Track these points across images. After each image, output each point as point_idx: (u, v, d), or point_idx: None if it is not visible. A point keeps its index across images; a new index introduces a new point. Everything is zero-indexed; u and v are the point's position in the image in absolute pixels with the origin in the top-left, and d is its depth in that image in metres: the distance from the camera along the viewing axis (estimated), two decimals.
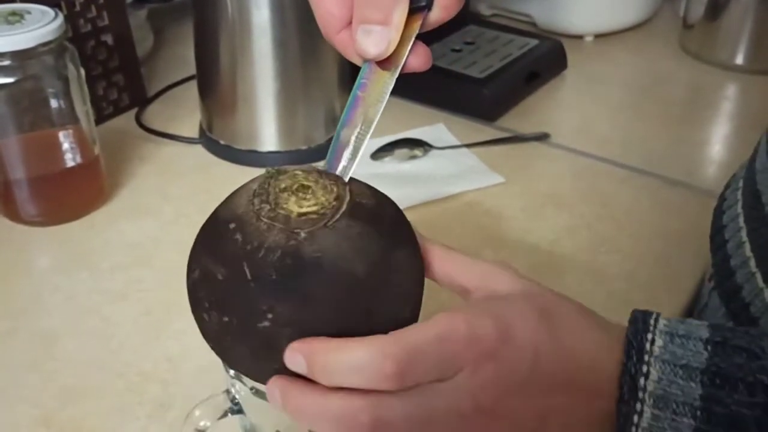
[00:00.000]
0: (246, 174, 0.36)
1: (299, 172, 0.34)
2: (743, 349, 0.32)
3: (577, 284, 0.61)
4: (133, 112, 0.85)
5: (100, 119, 0.81)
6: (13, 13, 0.62)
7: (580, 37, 1.07)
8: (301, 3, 0.71)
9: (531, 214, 0.70)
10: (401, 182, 0.74)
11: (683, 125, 0.87)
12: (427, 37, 0.35)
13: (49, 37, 0.61)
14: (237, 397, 0.41)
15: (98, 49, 0.81)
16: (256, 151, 0.77)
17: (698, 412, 0.32)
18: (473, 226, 0.69)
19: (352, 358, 0.30)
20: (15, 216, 0.67)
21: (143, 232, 0.68)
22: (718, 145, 0.86)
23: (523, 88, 0.91)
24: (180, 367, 0.54)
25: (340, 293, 0.31)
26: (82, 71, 0.66)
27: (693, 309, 0.59)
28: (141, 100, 0.87)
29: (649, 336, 0.34)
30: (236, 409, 0.41)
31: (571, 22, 1.07)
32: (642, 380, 0.33)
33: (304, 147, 0.78)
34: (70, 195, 0.69)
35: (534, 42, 0.96)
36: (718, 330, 0.34)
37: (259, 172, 0.35)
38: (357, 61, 0.35)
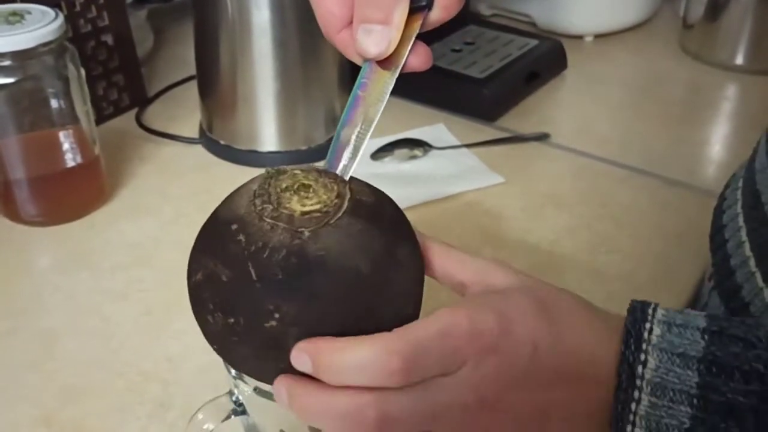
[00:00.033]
0: (246, 174, 0.36)
1: (299, 172, 0.34)
2: (740, 338, 0.33)
3: (577, 284, 0.61)
4: (133, 112, 0.85)
5: (100, 119, 0.81)
6: (14, 14, 0.62)
7: (580, 37, 1.07)
8: (301, 3, 0.71)
9: (531, 214, 0.70)
10: (401, 182, 0.74)
11: (683, 125, 0.87)
12: (427, 37, 0.35)
13: (50, 38, 0.61)
14: (240, 397, 0.41)
15: (98, 50, 0.81)
16: (256, 151, 0.77)
17: (695, 400, 0.32)
18: (473, 226, 0.69)
19: (357, 357, 0.30)
20: (15, 216, 0.68)
21: (143, 232, 0.68)
22: (717, 145, 0.86)
23: (523, 88, 0.91)
24: (180, 367, 0.54)
25: (345, 291, 0.31)
26: (83, 71, 0.66)
27: (693, 308, 0.59)
28: (141, 100, 0.87)
29: (647, 325, 0.34)
30: (240, 410, 0.41)
31: (571, 22, 1.07)
32: (640, 368, 0.33)
33: (304, 147, 0.78)
34: (70, 195, 0.69)
35: (534, 42, 0.96)
36: (715, 320, 0.34)
37: (259, 172, 0.35)
38: (357, 61, 0.36)
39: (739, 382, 0.32)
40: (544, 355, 0.33)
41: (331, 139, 0.36)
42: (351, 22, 0.35)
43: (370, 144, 0.67)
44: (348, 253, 0.31)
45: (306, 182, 0.34)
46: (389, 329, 0.31)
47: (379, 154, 0.78)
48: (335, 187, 0.33)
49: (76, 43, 0.71)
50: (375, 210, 0.34)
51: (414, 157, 0.78)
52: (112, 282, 0.62)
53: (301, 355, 0.31)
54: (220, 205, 0.35)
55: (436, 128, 0.83)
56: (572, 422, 0.35)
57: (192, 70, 0.82)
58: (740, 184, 0.49)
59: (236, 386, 0.40)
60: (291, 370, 0.32)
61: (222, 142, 0.78)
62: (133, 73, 0.86)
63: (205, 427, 0.40)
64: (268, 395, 0.37)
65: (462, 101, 0.86)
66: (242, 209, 0.33)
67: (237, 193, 0.35)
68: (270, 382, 0.33)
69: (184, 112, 0.85)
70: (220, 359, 0.36)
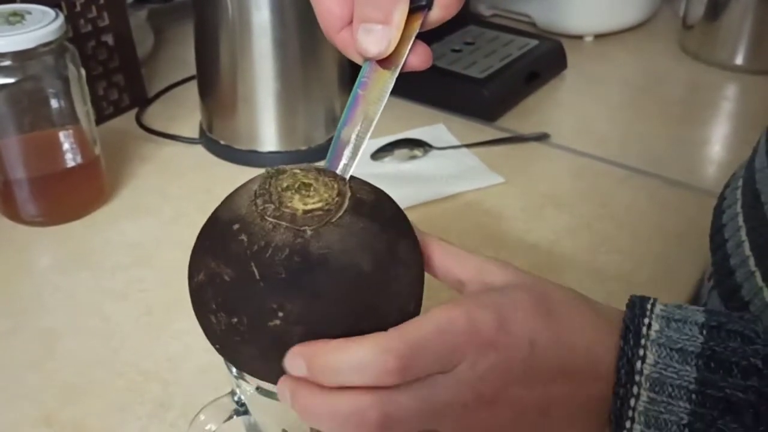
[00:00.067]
0: (246, 174, 0.36)
1: (298, 171, 0.35)
2: (738, 333, 0.33)
3: (577, 284, 0.60)
4: (133, 113, 0.85)
5: (100, 119, 0.81)
6: (14, 14, 0.62)
7: (579, 37, 1.08)
8: (301, 3, 0.71)
9: (531, 214, 0.70)
10: (401, 182, 0.74)
11: (683, 125, 0.87)
12: (427, 37, 0.35)
13: (50, 38, 0.62)
14: (242, 397, 0.40)
15: (98, 50, 0.81)
16: (256, 152, 0.77)
17: (693, 395, 0.32)
18: (473, 226, 0.69)
19: (353, 357, 0.30)
20: (15, 216, 0.68)
21: (143, 231, 0.68)
22: (717, 145, 0.86)
23: (523, 88, 0.91)
24: (180, 367, 0.54)
25: (348, 288, 0.31)
26: (83, 71, 0.66)
27: None
28: (141, 101, 0.87)
29: (646, 320, 0.34)
30: (242, 410, 0.41)
31: (571, 23, 1.07)
32: (638, 364, 0.33)
33: (304, 147, 0.78)
34: (70, 195, 0.69)
35: (534, 42, 0.97)
36: (713, 315, 0.34)
37: (259, 172, 0.35)
38: (358, 60, 0.36)
39: (737, 378, 0.32)
40: (543, 351, 0.33)
41: (331, 139, 0.36)
42: (351, 22, 0.35)
43: (370, 144, 0.67)
44: (351, 251, 0.32)
45: (306, 181, 0.34)
46: (392, 326, 0.31)
47: (379, 154, 0.78)
48: (336, 186, 0.34)
49: (76, 43, 0.71)
50: (376, 208, 0.34)
51: (414, 157, 0.78)
52: (112, 282, 0.62)
53: (295, 359, 0.31)
54: (219, 206, 0.35)
55: (436, 128, 0.83)
56: (572, 417, 0.35)
57: (192, 70, 0.82)
58: (740, 183, 0.49)
59: (238, 386, 0.40)
60: None
61: (222, 142, 0.78)
62: (133, 73, 0.86)
63: (208, 427, 0.40)
64: (270, 394, 0.37)
65: (462, 101, 0.87)
66: (243, 209, 0.33)
67: (236, 194, 0.35)
68: (273, 381, 0.33)
69: (184, 112, 0.85)
70: (220, 359, 0.36)
